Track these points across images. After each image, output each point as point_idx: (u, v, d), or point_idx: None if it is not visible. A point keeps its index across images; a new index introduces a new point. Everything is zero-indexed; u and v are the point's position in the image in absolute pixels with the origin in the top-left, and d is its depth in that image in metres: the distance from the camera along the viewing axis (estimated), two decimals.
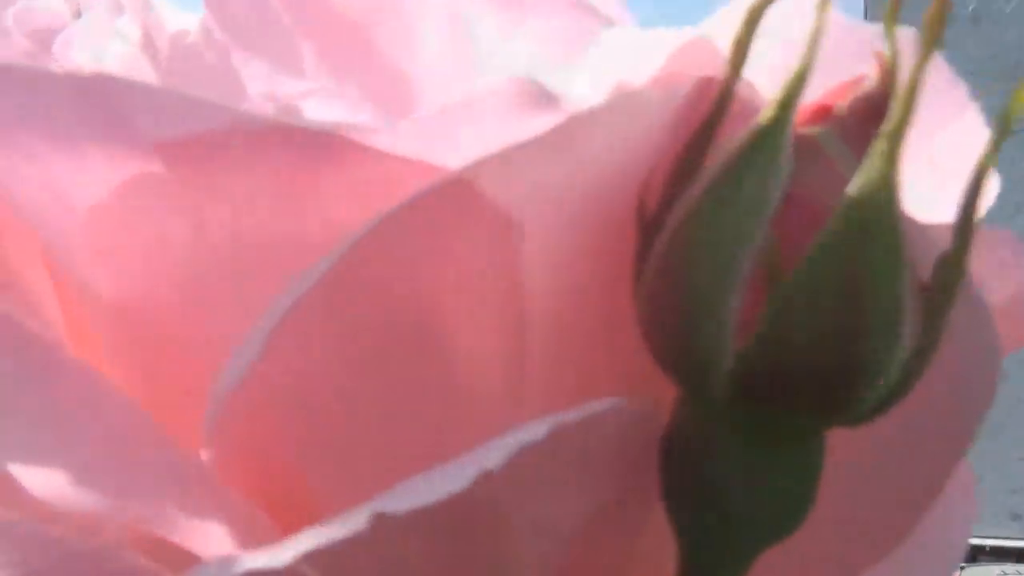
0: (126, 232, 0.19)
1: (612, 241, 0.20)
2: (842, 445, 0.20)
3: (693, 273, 0.18)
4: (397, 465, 0.19)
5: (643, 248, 0.20)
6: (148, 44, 0.22)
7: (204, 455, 0.19)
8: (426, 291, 0.18)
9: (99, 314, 0.20)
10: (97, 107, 0.17)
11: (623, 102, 0.18)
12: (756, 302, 0.18)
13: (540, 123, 0.17)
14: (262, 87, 0.24)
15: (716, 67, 0.20)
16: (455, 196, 0.17)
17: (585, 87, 0.19)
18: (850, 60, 0.22)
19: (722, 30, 0.20)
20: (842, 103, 0.19)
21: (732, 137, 0.19)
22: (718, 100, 0.20)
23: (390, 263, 0.18)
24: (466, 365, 0.19)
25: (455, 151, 0.17)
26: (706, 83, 0.20)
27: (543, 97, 0.17)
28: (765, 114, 0.18)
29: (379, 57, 0.23)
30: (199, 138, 0.17)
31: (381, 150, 0.17)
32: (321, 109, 0.22)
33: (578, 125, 0.17)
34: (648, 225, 0.20)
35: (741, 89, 0.20)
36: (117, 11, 0.22)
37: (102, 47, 0.22)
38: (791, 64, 0.20)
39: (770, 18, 0.20)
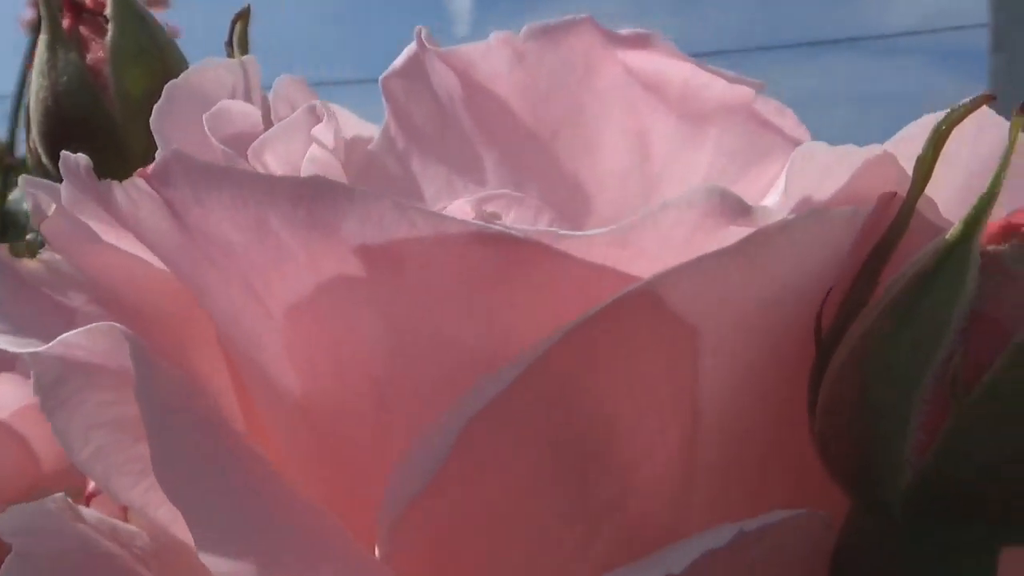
0: (320, 331, 0.20)
1: (788, 353, 0.20)
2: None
3: (874, 388, 0.18)
4: (571, 568, 0.20)
5: (820, 361, 0.20)
6: (339, 151, 0.23)
7: (379, 553, 0.20)
8: (603, 398, 0.19)
9: (283, 410, 0.21)
10: (307, 210, 0.17)
11: (813, 218, 0.18)
12: (937, 416, 0.18)
13: (731, 234, 0.18)
14: (441, 193, 0.25)
15: (900, 184, 0.20)
16: (641, 306, 0.18)
17: (770, 200, 0.20)
18: None
19: (907, 149, 0.20)
20: None
21: (918, 253, 0.19)
22: (900, 217, 0.20)
23: (574, 371, 0.18)
24: (638, 471, 0.19)
25: (646, 260, 0.18)
26: (888, 199, 0.20)
27: (737, 208, 0.17)
28: (953, 231, 0.18)
29: (559, 166, 0.24)
30: (401, 241, 0.18)
31: (575, 257, 0.17)
32: (505, 213, 0.22)
33: (769, 238, 0.18)
34: (826, 338, 0.20)
35: (924, 207, 0.20)
36: (314, 119, 0.23)
37: (296, 153, 0.23)
38: (975, 184, 0.20)
39: (952, 142, 0.21)
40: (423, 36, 0.24)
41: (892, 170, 0.20)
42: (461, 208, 0.18)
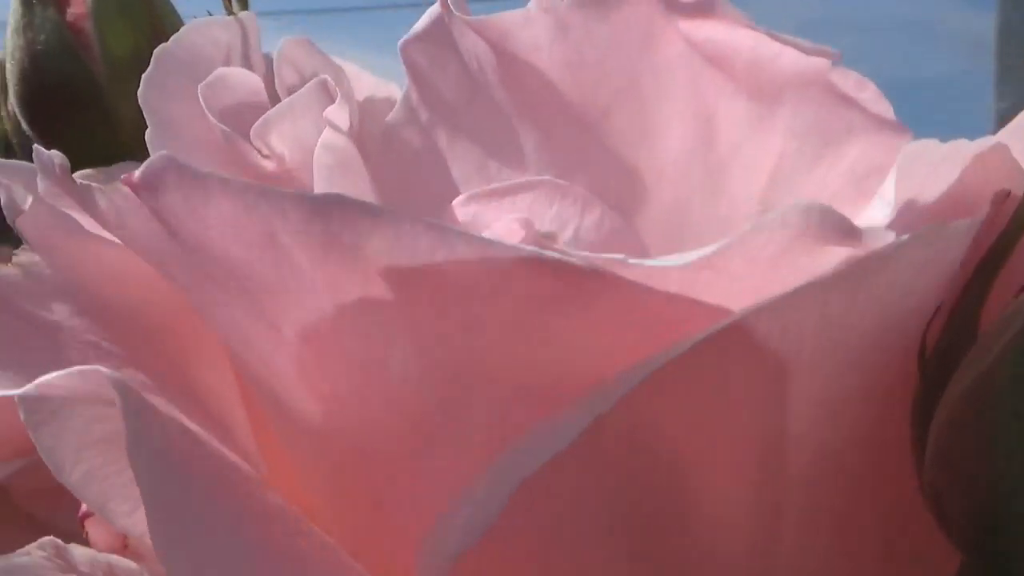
0: (343, 359, 0.17)
1: (887, 384, 0.17)
2: None
3: (1004, 436, 0.15)
4: None
5: (925, 390, 0.17)
6: (355, 130, 0.20)
7: None
8: (679, 446, 0.16)
9: (302, 438, 0.18)
10: (323, 229, 0.14)
11: (929, 236, 0.15)
12: None
13: (828, 253, 0.15)
14: (473, 176, 0.22)
15: (1014, 181, 0.17)
16: (728, 339, 0.15)
17: (875, 211, 0.17)
18: None
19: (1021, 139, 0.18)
20: None
21: None
22: (1015, 219, 0.17)
23: (648, 418, 0.16)
24: (716, 523, 0.17)
25: (730, 287, 0.15)
26: (1003, 199, 0.17)
27: (841, 229, 0.14)
28: None
29: (610, 151, 0.21)
30: (438, 266, 0.15)
31: (646, 286, 0.15)
32: (543, 207, 0.19)
33: (880, 263, 0.15)
34: (930, 363, 0.17)
35: None
36: (325, 95, 0.20)
37: (306, 134, 0.20)
38: None
39: None
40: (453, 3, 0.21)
41: (1006, 165, 0.18)
42: (507, 225, 0.16)
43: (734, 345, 0.15)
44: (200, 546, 0.15)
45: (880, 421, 0.17)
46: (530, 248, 0.14)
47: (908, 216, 0.17)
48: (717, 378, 0.16)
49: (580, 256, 0.14)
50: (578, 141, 0.21)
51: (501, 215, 0.20)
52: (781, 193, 0.20)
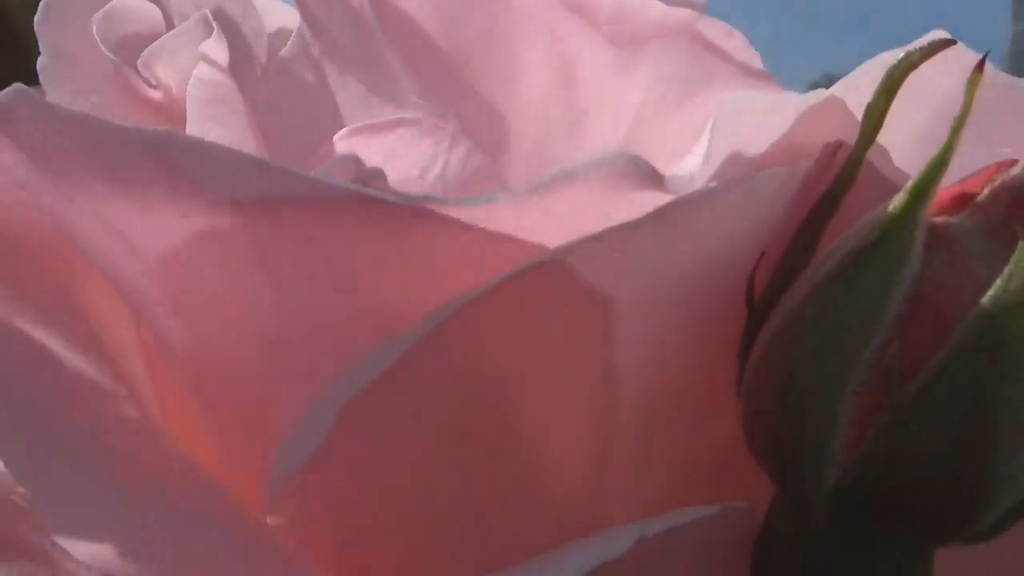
0: (198, 281, 0.18)
1: (715, 324, 0.18)
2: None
3: (801, 373, 0.16)
4: (472, 547, 0.18)
5: (750, 334, 0.18)
6: (237, 65, 0.20)
7: (270, 520, 0.18)
8: (508, 371, 0.17)
9: (175, 363, 0.19)
10: (165, 164, 0.15)
11: (736, 187, 0.16)
12: (871, 409, 0.16)
13: (642, 203, 0.16)
14: (358, 111, 0.22)
15: (849, 133, 0.18)
16: (546, 275, 0.16)
17: (698, 150, 0.17)
18: (1009, 126, 0.20)
19: (857, 91, 0.18)
20: (986, 190, 0.17)
21: (855, 225, 0.17)
22: (844, 172, 0.18)
23: (473, 342, 0.16)
24: (547, 450, 0.18)
25: (550, 229, 0.16)
26: (833, 150, 0.18)
27: (648, 176, 0.15)
28: (896, 203, 0.16)
29: (478, 91, 0.21)
30: (272, 200, 0.16)
31: (469, 224, 0.15)
32: (414, 144, 0.20)
33: (685, 209, 0.16)
34: (757, 307, 0.18)
35: (875, 157, 0.18)
36: (206, 28, 0.21)
37: (188, 66, 0.20)
38: (938, 127, 0.18)
39: (917, 76, 0.18)
40: None
41: (840, 117, 0.18)
42: (340, 162, 0.16)
43: (552, 280, 0.16)
44: (42, 454, 0.16)
45: (709, 359, 0.18)
46: (352, 186, 0.15)
47: (733, 166, 0.17)
48: (538, 310, 0.16)
49: (399, 195, 0.15)
50: (447, 82, 0.22)
51: (376, 150, 0.21)
52: (643, 137, 0.21)
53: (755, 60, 0.21)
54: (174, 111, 0.21)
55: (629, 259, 0.16)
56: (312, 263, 0.17)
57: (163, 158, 0.15)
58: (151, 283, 0.18)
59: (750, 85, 0.21)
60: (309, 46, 0.23)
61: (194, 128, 0.20)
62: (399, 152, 0.21)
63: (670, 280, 0.17)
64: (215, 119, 0.20)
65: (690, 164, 0.16)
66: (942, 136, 0.18)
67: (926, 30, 0.19)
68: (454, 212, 0.15)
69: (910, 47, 0.18)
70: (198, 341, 0.19)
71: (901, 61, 0.18)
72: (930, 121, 0.19)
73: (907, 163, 0.19)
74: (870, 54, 0.19)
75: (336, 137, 0.21)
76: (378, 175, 0.16)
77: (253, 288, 0.17)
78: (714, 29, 0.21)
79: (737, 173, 0.16)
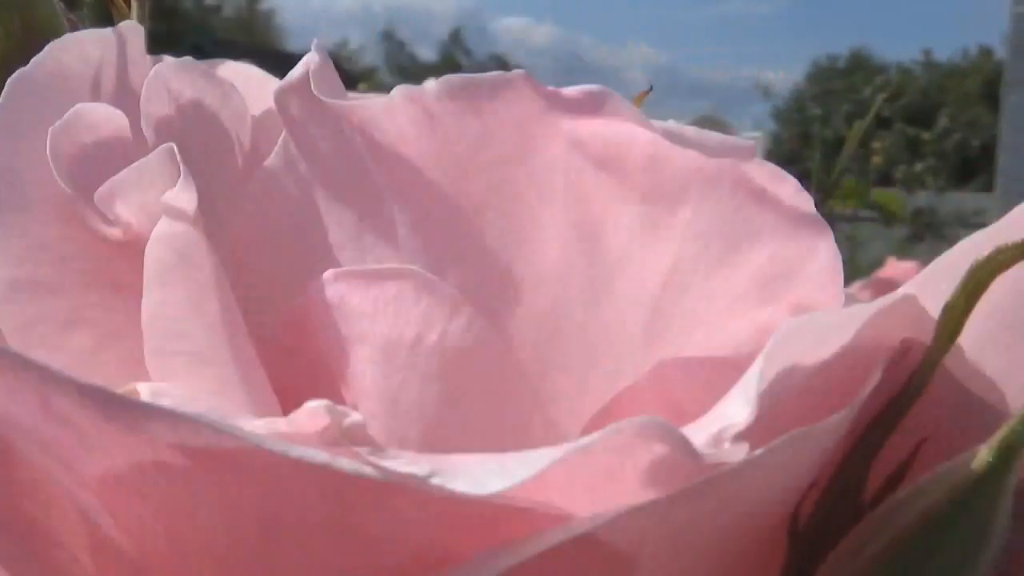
0: (143, 501, 0.15)
1: (749, 558, 0.15)
2: None
3: None
4: None
5: (794, 567, 0.15)
6: (200, 217, 0.17)
7: None
8: None
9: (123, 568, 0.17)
10: (104, 414, 0.13)
11: (783, 447, 0.13)
12: None
13: (673, 475, 0.13)
14: (348, 243, 0.19)
15: (922, 330, 0.15)
16: (572, 545, 0.13)
17: (733, 406, 0.14)
18: None
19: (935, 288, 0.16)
20: None
21: (933, 475, 0.14)
22: (915, 378, 0.15)
23: None
24: None
25: (566, 500, 0.13)
26: (904, 352, 0.16)
27: (679, 449, 0.13)
28: (979, 463, 0.14)
29: (484, 247, 0.18)
30: (226, 453, 0.13)
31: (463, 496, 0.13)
32: (410, 302, 0.17)
33: (722, 481, 0.13)
34: (803, 538, 0.15)
35: (947, 358, 0.16)
36: (171, 164, 0.18)
37: (154, 206, 0.18)
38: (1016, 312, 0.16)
39: None
40: (310, 73, 0.19)
41: (913, 317, 0.16)
42: (313, 411, 0.13)
43: (574, 544, 0.13)
44: None
45: None
46: (316, 456, 0.12)
47: (786, 383, 0.14)
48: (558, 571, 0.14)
49: (377, 467, 0.12)
50: (451, 232, 0.19)
51: (367, 302, 0.18)
52: (675, 298, 0.18)
53: (807, 204, 0.18)
54: (134, 248, 0.18)
55: (658, 525, 0.13)
56: (270, 505, 0.14)
57: (102, 409, 0.13)
58: (91, 497, 0.16)
59: (800, 236, 0.18)
60: (295, 162, 0.20)
61: (152, 295, 0.17)
62: (392, 309, 0.18)
63: (702, 536, 0.14)
64: (175, 284, 0.17)
65: (734, 408, 0.13)
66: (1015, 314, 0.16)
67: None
68: (436, 492, 0.13)
69: (1000, 244, 0.15)
70: (147, 551, 0.16)
71: (989, 260, 0.15)
72: (1007, 294, 0.17)
73: (978, 349, 0.16)
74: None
75: (324, 277, 0.19)
76: (356, 432, 0.13)
77: (206, 511, 0.15)
78: (762, 172, 0.18)
79: (796, 398, 0.14)
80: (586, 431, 0.19)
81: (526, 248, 0.19)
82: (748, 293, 0.18)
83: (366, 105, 0.18)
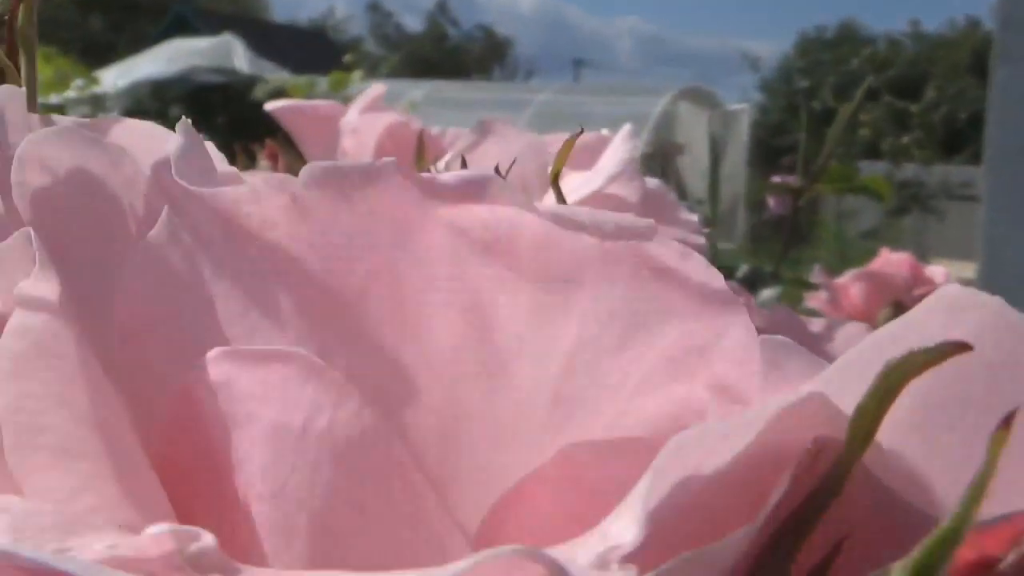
0: None
1: None
2: None
3: None
4: None
5: None
6: (67, 302, 0.16)
7: None
8: None
9: None
10: None
11: (674, 572, 0.12)
12: None
13: None
14: (235, 319, 0.18)
15: (835, 428, 0.14)
16: None
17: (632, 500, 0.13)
18: None
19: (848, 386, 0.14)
20: (1011, 556, 0.13)
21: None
22: (826, 482, 0.14)
23: None
24: None
25: None
26: (815, 453, 0.15)
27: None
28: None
29: (370, 333, 0.17)
30: None
31: None
32: (297, 387, 0.16)
33: None
34: None
35: (870, 463, 0.15)
36: (30, 252, 0.16)
37: (7, 288, 0.16)
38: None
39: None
40: (171, 158, 0.17)
41: (824, 415, 0.15)
42: (156, 536, 0.12)
43: None
44: None
45: None
46: None
47: (680, 498, 0.13)
48: None
49: None
50: (335, 317, 0.18)
51: (255, 383, 0.17)
52: (579, 380, 0.17)
53: (716, 280, 0.17)
54: None
55: None
56: None
57: None
58: None
59: (709, 313, 0.17)
60: (179, 234, 0.19)
61: (9, 389, 0.16)
62: (280, 393, 0.17)
63: None
64: (32, 376, 0.16)
65: (619, 526, 0.12)
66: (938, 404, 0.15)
67: None
68: None
69: (913, 347, 0.14)
70: None
71: (903, 363, 0.14)
72: (928, 382, 0.15)
73: (900, 439, 0.15)
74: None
75: (209, 356, 0.18)
76: (204, 558, 0.12)
77: None
78: (666, 250, 0.17)
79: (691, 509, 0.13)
80: (493, 515, 0.18)
81: (414, 333, 0.17)
82: (659, 371, 0.17)
83: (226, 193, 0.17)
